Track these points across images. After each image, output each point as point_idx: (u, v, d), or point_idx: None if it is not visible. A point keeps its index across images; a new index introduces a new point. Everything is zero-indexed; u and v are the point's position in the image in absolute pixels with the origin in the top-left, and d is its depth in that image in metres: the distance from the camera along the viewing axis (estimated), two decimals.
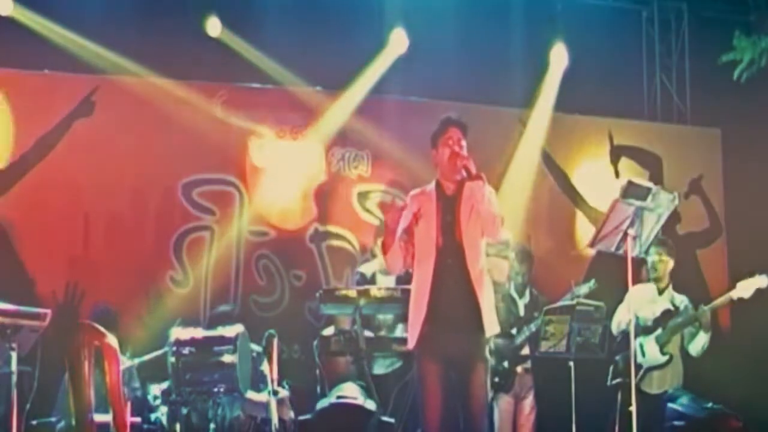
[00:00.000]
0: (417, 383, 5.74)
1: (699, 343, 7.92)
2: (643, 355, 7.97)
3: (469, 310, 5.65)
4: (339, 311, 7.61)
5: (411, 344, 5.73)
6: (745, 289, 7.73)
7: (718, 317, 9.95)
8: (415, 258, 5.74)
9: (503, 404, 7.97)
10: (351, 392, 7.27)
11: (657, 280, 8.04)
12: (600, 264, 9.15)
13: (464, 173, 5.64)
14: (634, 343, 6.62)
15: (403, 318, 7.60)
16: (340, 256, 9.62)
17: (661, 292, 8.08)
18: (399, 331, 7.71)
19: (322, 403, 7.22)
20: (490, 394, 7.34)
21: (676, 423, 7.86)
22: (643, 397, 7.46)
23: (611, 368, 7.99)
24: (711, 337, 7.86)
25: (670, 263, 8.07)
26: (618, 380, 7.89)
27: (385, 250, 5.82)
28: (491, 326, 5.72)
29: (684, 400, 7.87)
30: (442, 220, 5.73)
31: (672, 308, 7.99)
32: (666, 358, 7.93)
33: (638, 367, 7.85)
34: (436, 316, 5.65)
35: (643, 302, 7.90)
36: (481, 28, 9.83)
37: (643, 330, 7.96)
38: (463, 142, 5.79)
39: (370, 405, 7.12)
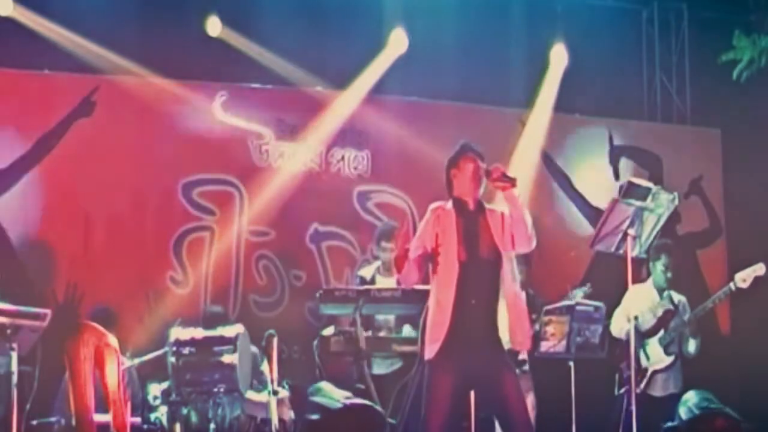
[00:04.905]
0: (426, 392, 5.69)
1: (692, 346, 7.95)
2: (648, 358, 7.94)
3: (491, 326, 5.67)
4: (339, 311, 7.60)
5: (429, 355, 5.69)
6: (743, 279, 7.72)
7: (719, 318, 10.00)
8: (435, 272, 5.74)
9: None
10: (338, 393, 7.19)
11: (662, 285, 8.03)
12: (600, 264, 9.15)
13: (504, 179, 5.69)
14: (634, 347, 6.60)
15: (407, 319, 7.65)
16: (340, 256, 9.60)
17: (660, 293, 8.07)
18: (405, 332, 7.72)
19: (332, 404, 7.11)
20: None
21: (669, 425, 7.86)
22: (649, 400, 7.42)
23: (617, 376, 7.93)
24: (711, 337, 7.84)
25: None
26: (626, 388, 7.84)
27: (398, 269, 5.86)
28: (519, 341, 5.80)
29: (693, 400, 7.83)
30: (464, 235, 5.71)
31: (672, 308, 7.97)
32: (672, 358, 7.88)
33: (644, 370, 7.85)
34: (458, 333, 5.61)
35: (643, 305, 7.88)
36: (481, 28, 9.83)
37: (645, 333, 7.94)
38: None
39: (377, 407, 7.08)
